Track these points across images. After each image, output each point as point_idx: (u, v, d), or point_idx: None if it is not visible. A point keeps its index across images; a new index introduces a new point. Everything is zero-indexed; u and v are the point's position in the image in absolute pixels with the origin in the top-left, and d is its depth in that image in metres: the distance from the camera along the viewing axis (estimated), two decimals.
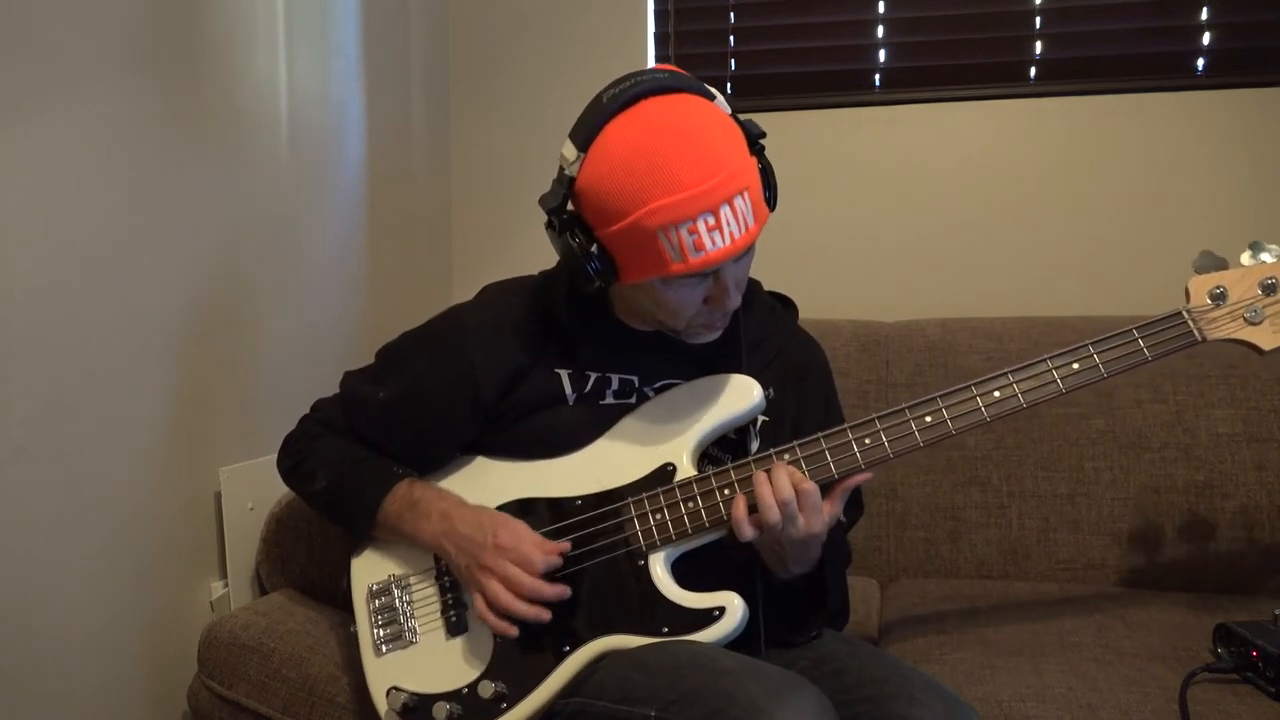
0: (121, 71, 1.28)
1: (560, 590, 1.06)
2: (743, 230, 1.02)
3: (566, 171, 1.03)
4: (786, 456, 1.08)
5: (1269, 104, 1.83)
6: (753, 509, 1.04)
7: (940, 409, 1.07)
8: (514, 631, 1.05)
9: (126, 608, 1.34)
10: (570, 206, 1.06)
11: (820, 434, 1.08)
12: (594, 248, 1.04)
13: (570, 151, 1.03)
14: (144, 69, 1.32)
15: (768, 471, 1.04)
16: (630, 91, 1.02)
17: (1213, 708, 1.09)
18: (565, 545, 1.08)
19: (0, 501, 1.15)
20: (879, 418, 1.08)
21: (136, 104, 1.31)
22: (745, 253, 1.06)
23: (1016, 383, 1.08)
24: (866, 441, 1.07)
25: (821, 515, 1.03)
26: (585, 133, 1.02)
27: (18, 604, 1.17)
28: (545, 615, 1.05)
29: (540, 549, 1.07)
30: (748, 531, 1.02)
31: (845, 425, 1.08)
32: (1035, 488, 1.60)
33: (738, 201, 1.00)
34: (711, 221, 0.99)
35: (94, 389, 1.26)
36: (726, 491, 1.07)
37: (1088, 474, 1.59)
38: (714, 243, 1.00)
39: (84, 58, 1.22)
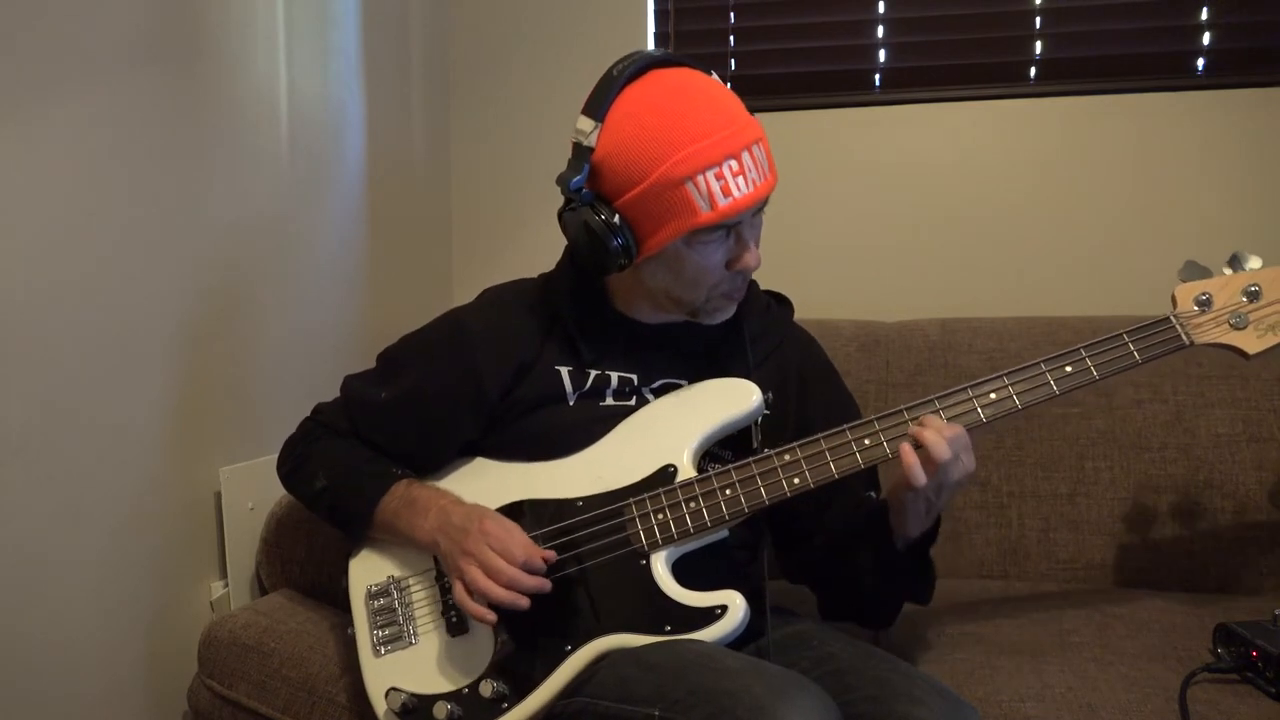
0: (121, 72, 1.28)
1: (540, 583, 1.05)
2: (763, 177, 1.06)
3: (585, 144, 1.05)
4: (787, 457, 1.08)
5: (1269, 104, 1.83)
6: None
7: (938, 410, 1.08)
8: (491, 617, 1.04)
9: (126, 608, 1.34)
10: (586, 185, 1.07)
11: (820, 435, 1.09)
12: (615, 219, 1.05)
13: (586, 124, 1.06)
14: (144, 69, 1.32)
15: (917, 421, 1.06)
16: (639, 62, 1.07)
17: (1213, 708, 1.09)
18: (551, 554, 1.07)
19: (0, 501, 1.15)
20: (878, 419, 1.09)
21: (136, 104, 1.31)
22: (764, 204, 1.09)
23: (1012, 385, 1.09)
24: (866, 442, 1.08)
25: (973, 456, 1.05)
26: (600, 103, 1.06)
27: (18, 604, 1.17)
28: (523, 602, 1.04)
29: (524, 546, 1.06)
30: (921, 475, 1.02)
31: (845, 427, 1.09)
32: (1035, 488, 1.60)
33: (755, 149, 1.06)
34: (735, 167, 1.03)
35: (94, 389, 1.26)
36: (728, 492, 1.08)
37: (1088, 474, 1.59)
38: (739, 188, 1.04)
39: (83, 58, 1.22)
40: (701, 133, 1.03)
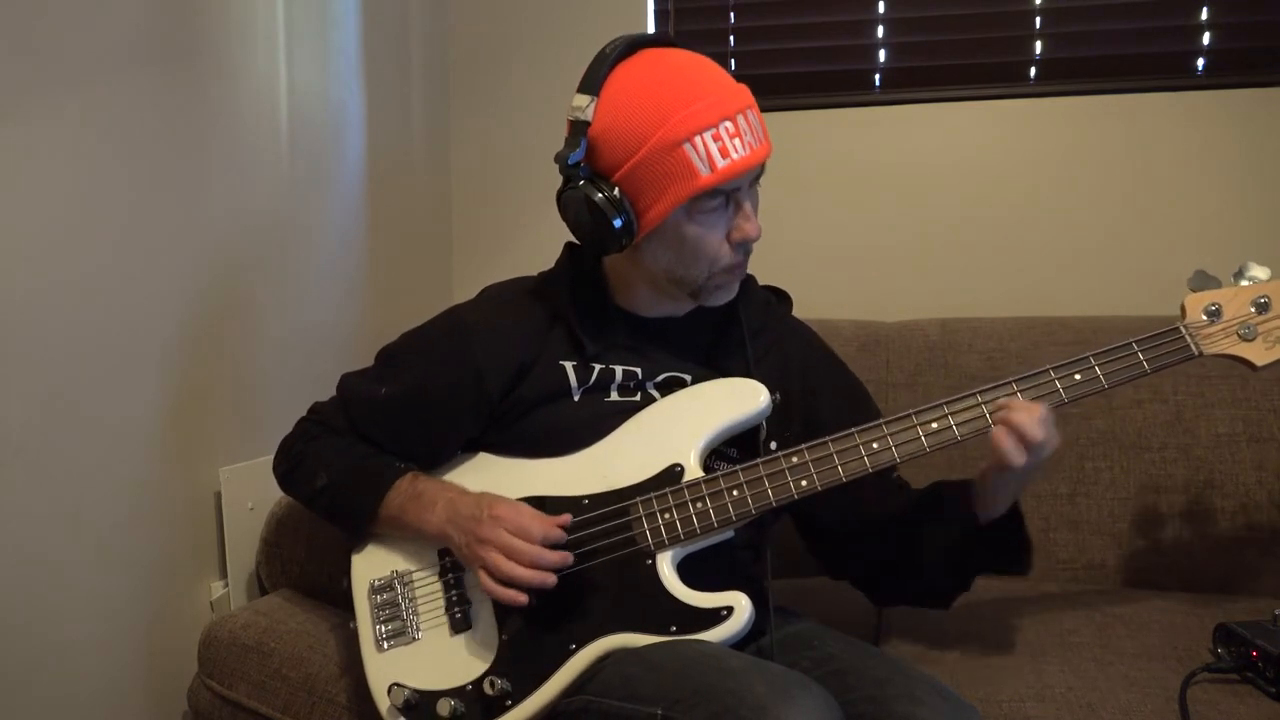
0: (121, 72, 1.28)
1: (563, 557, 1.05)
2: (759, 142, 1.08)
3: (581, 118, 1.07)
4: (795, 459, 1.08)
5: (1269, 104, 1.83)
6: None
7: (946, 415, 1.09)
8: (523, 599, 1.04)
9: (126, 608, 1.34)
10: (584, 161, 1.08)
11: (828, 438, 1.09)
12: (616, 192, 1.07)
13: (581, 100, 1.07)
14: (144, 69, 1.32)
15: (1002, 405, 1.07)
16: (630, 40, 1.10)
17: (1213, 708, 1.09)
18: (565, 518, 1.08)
19: (0, 501, 1.14)
20: (886, 423, 1.09)
21: (136, 104, 1.31)
22: (761, 171, 1.11)
23: (1021, 392, 1.10)
24: (874, 446, 1.08)
25: (1058, 434, 1.07)
26: (595, 79, 1.07)
27: (18, 604, 1.17)
28: (551, 580, 1.03)
29: (538, 521, 1.06)
30: (1018, 456, 1.03)
31: (853, 430, 1.09)
32: (1035, 488, 1.60)
33: (749, 114, 1.08)
34: (731, 129, 1.05)
35: (93, 389, 1.26)
36: (735, 493, 1.08)
37: (1088, 474, 1.58)
38: (736, 150, 1.05)
39: (84, 58, 1.22)
40: (695, 96, 1.05)
